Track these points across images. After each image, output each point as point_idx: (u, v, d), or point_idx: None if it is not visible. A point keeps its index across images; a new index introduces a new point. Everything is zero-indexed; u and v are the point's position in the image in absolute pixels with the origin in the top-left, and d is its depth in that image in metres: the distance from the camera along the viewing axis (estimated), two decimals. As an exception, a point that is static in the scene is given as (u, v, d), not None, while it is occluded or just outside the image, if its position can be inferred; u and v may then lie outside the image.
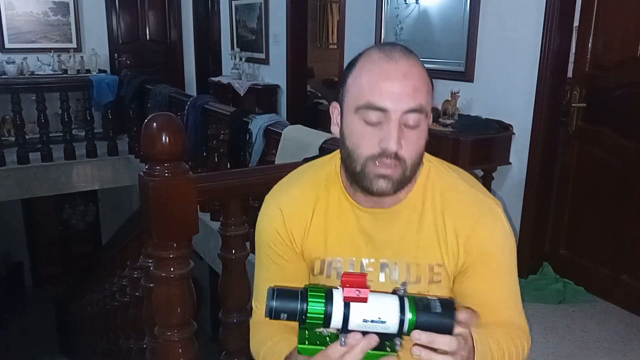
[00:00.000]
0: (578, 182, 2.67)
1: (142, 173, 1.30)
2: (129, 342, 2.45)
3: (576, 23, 2.64)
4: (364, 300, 0.67)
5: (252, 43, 5.57)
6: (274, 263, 1.02)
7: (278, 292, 0.70)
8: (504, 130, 2.82)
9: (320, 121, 4.48)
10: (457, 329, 0.72)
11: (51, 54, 5.75)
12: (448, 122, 2.91)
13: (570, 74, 2.69)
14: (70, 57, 5.77)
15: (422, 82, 0.86)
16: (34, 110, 4.86)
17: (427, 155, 0.97)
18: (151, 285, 1.51)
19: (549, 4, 2.58)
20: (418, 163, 0.91)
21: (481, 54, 3.01)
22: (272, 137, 2.98)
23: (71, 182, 5.16)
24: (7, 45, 5.68)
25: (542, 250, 2.80)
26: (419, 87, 0.85)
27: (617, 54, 2.47)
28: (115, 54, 6.22)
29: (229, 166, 3.37)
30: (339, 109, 0.94)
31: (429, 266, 0.95)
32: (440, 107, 3.07)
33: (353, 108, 0.87)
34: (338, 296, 0.69)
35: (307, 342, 0.71)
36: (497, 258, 0.96)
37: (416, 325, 0.68)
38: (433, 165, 0.99)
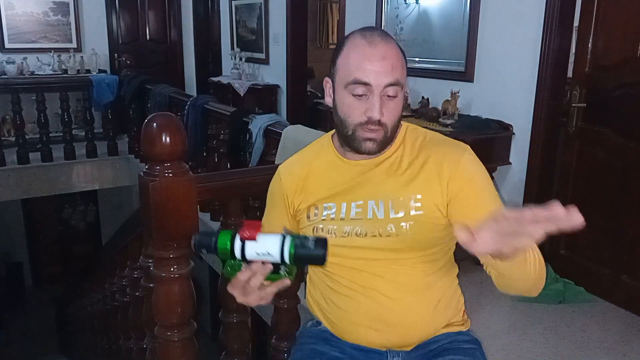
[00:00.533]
0: (578, 182, 2.67)
1: (142, 173, 1.30)
2: (129, 342, 2.45)
3: (576, 23, 2.64)
4: (254, 238, 0.91)
5: (252, 43, 5.57)
6: (270, 218, 1.28)
7: (200, 234, 0.95)
8: (504, 130, 2.83)
9: (320, 121, 4.49)
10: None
11: (51, 54, 5.75)
12: (448, 122, 2.91)
13: (570, 74, 2.69)
14: (70, 57, 5.77)
15: (398, 61, 1.07)
16: (34, 110, 4.85)
17: (404, 122, 1.19)
18: (151, 285, 1.51)
19: (549, 4, 2.58)
20: (397, 126, 1.12)
21: (481, 54, 3.01)
22: (272, 137, 2.99)
23: (71, 182, 5.16)
24: (7, 45, 5.68)
25: (542, 250, 2.77)
26: (395, 65, 1.06)
27: (617, 54, 2.47)
28: (115, 54, 6.22)
29: (229, 166, 3.37)
30: (331, 83, 1.14)
31: (409, 199, 1.11)
32: (440, 107, 3.07)
33: (343, 84, 1.08)
34: (238, 236, 0.92)
35: (229, 269, 0.96)
36: (479, 179, 1.12)
37: (295, 257, 0.90)
38: (410, 126, 1.21)
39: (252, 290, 0.95)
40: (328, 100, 1.16)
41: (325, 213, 1.15)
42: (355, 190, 1.14)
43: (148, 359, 1.84)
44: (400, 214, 1.10)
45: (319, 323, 1.29)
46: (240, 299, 0.98)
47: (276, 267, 0.93)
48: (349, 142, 1.11)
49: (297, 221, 1.22)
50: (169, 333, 1.42)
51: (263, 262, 0.92)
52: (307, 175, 1.20)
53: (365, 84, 1.05)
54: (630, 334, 2.28)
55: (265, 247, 0.91)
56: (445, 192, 1.10)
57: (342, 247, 1.13)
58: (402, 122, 1.18)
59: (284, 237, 0.91)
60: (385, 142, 1.11)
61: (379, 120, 1.06)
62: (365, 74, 1.04)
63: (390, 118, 1.08)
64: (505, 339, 2.20)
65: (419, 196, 1.10)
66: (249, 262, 0.93)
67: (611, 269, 2.52)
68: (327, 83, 1.15)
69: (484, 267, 1.08)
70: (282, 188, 1.22)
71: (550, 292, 2.51)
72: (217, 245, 0.92)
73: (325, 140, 1.24)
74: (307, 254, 0.91)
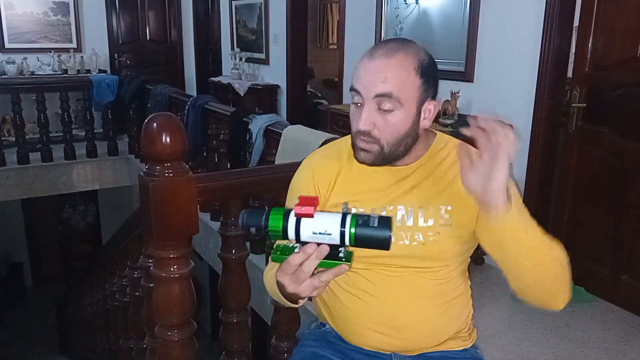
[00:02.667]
0: (578, 182, 2.67)
1: (142, 173, 1.30)
2: (129, 342, 2.45)
3: (576, 23, 2.64)
4: (311, 215, 0.82)
5: (252, 43, 5.57)
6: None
7: (248, 212, 0.86)
8: (504, 130, 2.82)
9: (320, 121, 4.48)
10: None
11: (51, 54, 5.75)
12: (448, 122, 2.91)
13: (570, 74, 2.69)
14: (70, 57, 5.77)
15: (395, 77, 1.03)
16: (34, 110, 4.85)
17: (439, 132, 1.19)
18: (151, 285, 1.52)
19: (549, 4, 2.58)
20: (398, 144, 1.07)
21: (481, 54, 3.01)
22: (272, 137, 2.98)
23: (71, 182, 5.16)
24: (7, 45, 5.68)
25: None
26: (391, 78, 1.02)
27: (617, 54, 2.47)
28: (115, 54, 6.22)
29: (229, 166, 3.37)
30: None
31: (439, 209, 1.10)
32: (440, 107, 3.07)
33: (350, 92, 1.09)
34: (293, 213, 0.83)
35: (277, 253, 0.87)
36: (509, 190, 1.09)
37: (356, 238, 0.81)
38: (445, 136, 1.19)
39: (304, 277, 0.86)
40: None
41: None
42: (386, 196, 1.13)
43: (148, 359, 1.84)
44: (430, 223, 1.10)
45: (323, 325, 1.28)
46: (290, 287, 0.88)
47: (332, 250, 0.83)
48: (352, 149, 1.11)
49: None
50: (169, 333, 1.42)
51: (318, 244, 0.83)
52: (340, 171, 1.17)
53: (358, 92, 1.05)
54: (630, 334, 2.28)
55: (323, 225, 0.81)
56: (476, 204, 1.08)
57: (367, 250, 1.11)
58: (437, 132, 1.18)
59: (344, 215, 0.82)
60: (383, 158, 1.08)
61: (369, 133, 1.05)
62: (359, 82, 1.05)
63: (385, 134, 1.05)
64: (505, 339, 2.20)
65: (449, 207, 1.10)
66: (302, 244, 0.84)
67: (611, 269, 2.52)
68: None
69: (504, 274, 1.04)
70: (315, 179, 1.17)
71: (550, 292, 2.51)
72: (268, 224, 0.84)
73: None
74: (371, 234, 0.81)
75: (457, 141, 1.17)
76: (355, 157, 1.10)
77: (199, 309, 1.51)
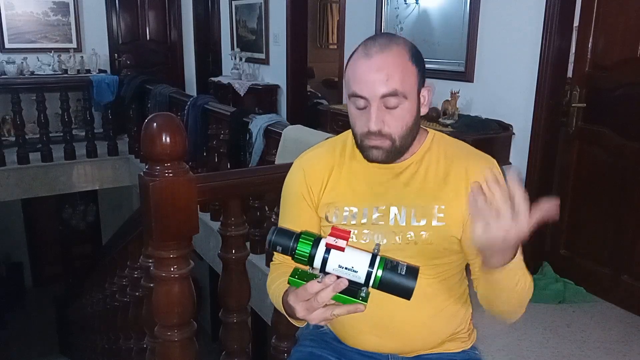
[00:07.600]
0: (578, 182, 2.67)
1: (142, 173, 1.30)
2: (129, 342, 2.45)
3: (576, 23, 2.64)
4: (342, 249, 0.82)
5: (252, 43, 5.57)
6: (293, 214, 1.20)
7: (278, 231, 0.87)
8: (504, 130, 2.83)
9: (320, 121, 4.48)
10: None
11: (51, 54, 5.75)
12: (448, 122, 2.91)
13: (570, 74, 2.69)
14: (70, 57, 5.77)
15: (396, 69, 1.03)
16: (34, 110, 4.85)
17: (430, 130, 1.19)
18: (151, 285, 1.52)
19: (549, 4, 2.58)
20: (407, 135, 1.08)
21: (481, 54, 3.01)
22: (272, 137, 2.99)
23: (71, 182, 5.16)
24: (7, 45, 5.68)
25: (542, 250, 2.80)
26: (392, 74, 1.02)
27: (617, 54, 2.47)
28: (115, 54, 6.22)
29: (229, 166, 3.38)
30: None
31: (432, 208, 1.09)
32: (440, 107, 3.07)
33: (348, 96, 1.08)
34: (323, 243, 0.84)
35: (297, 277, 0.87)
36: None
37: (380, 281, 0.81)
38: (437, 133, 1.19)
39: (317, 306, 0.86)
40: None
41: (345, 215, 1.12)
42: (379, 196, 1.12)
43: (148, 359, 1.84)
44: (422, 222, 1.09)
45: (321, 325, 1.27)
46: (301, 313, 0.89)
47: (352, 287, 0.82)
48: (360, 150, 1.11)
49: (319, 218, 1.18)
50: (169, 333, 1.42)
51: (338, 277, 0.83)
52: (332, 170, 1.16)
53: (362, 97, 1.03)
54: (630, 334, 2.28)
55: (352, 261, 0.81)
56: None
57: None
58: (428, 130, 1.18)
59: (374, 255, 0.82)
60: (395, 152, 1.08)
61: (380, 131, 1.04)
62: (360, 87, 1.03)
63: (395, 128, 1.05)
64: (505, 339, 2.20)
65: (442, 206, 1.09)
66: (324, 274, 0.83)
67: (611, 269, 2.52)
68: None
69: (474, 285, 1.11)
70: (307, 181, 1.17)
71: (550, 292, 2.52)
72: (296, 248, 0.84)
73: (347, 138, 1.20)
74: (396, 281, 0.81)
75: (449, 139, 1.19)
76: (367, 157, 1.09)
77: (199, 309, 1.51)
